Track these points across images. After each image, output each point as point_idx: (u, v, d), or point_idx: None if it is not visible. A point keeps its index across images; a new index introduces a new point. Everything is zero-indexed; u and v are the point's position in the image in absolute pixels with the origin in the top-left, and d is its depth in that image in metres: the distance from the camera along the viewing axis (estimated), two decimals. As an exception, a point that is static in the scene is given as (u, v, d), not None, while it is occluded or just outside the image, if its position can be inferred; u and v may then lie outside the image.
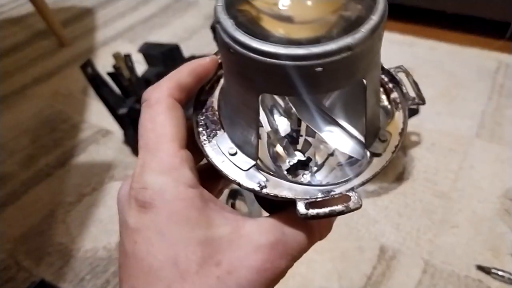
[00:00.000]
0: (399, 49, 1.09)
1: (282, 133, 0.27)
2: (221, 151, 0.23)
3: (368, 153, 0.22)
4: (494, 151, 0.80)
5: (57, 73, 1.14)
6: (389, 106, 0.25)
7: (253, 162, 0.22)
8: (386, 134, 0.23)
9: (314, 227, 0.22)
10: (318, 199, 0.20)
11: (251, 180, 0.22)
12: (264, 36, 0.18)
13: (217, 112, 0.24)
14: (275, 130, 0.27)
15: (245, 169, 0.22)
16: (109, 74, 0.77)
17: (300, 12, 0.20)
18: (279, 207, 0.22)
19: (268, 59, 0.17)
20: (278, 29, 0.19)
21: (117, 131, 0.90)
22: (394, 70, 0.26)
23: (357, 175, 0.22)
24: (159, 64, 0.81)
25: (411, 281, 0.61)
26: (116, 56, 0.71)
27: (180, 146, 0.22)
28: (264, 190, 0.21)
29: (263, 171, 0.22)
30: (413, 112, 0.78)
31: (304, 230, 0.21)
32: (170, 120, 0.22)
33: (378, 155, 0.22)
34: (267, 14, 0.19)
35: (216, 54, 0.25)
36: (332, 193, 0.21)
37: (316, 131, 0.26)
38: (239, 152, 0.23)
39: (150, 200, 0.20)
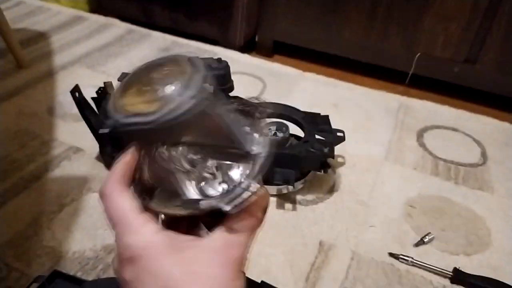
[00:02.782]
0: (325, 89, 1.34)
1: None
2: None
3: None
4: (398, 170, 1.05)
5: (18, 94, 1.19)
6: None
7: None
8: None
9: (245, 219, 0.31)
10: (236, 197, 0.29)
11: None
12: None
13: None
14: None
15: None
16: (93, 98, 0.89)
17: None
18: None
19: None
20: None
21: (88, 149, 1.00)
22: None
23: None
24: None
25: (343, 266, 0.81)
26: (108, 84, 0.83)
27: (139, 212, 0.29)
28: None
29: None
30: (340, 140, 0.99)
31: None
32: (124, 199, 0.30)
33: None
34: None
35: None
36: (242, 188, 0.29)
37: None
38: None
39: (134, 254, 0.27)
